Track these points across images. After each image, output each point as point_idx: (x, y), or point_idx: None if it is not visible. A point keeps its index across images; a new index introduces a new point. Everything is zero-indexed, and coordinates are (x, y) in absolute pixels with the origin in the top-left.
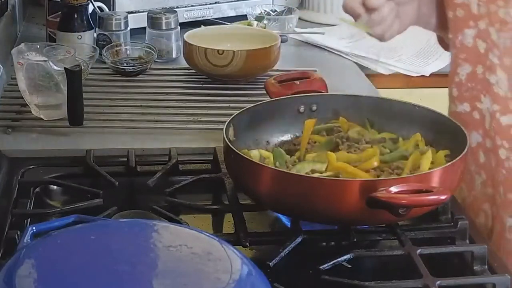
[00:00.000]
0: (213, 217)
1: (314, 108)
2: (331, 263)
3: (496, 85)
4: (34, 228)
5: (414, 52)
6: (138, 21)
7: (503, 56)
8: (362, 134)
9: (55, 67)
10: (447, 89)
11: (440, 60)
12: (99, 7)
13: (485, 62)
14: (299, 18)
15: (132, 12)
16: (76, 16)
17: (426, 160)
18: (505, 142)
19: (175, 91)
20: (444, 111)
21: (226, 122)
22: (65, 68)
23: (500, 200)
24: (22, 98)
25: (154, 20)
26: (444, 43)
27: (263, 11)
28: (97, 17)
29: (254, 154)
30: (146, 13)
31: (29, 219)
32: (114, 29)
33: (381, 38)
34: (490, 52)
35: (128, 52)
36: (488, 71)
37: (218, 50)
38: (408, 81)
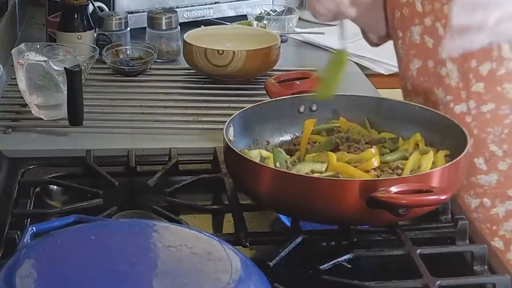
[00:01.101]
0: (213, 217)
1: (314, 108)
2: (331, 263)
3: (447, 76)
4: (34, 228)
5: None
6: (138, 21)
7: None
8: (362, 134)
9: (55, 67)
10: None
11: None
12: (99, 7)
13: (434, 57)
14: (299, 18)
15: (132, 12)
16: (76, 16)
17: (427, 160)
18: None
19: (175, 91)
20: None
21: (226, 122)
22: (65, 68)
23: (461, 185)
24: (22, 98)
25: (154, 20)
26: (369, 39)
27: (263, 11)
28: (97, 17)
29: (254, 154)
30: (146, 13)
31: (29, 219)
32: (114, 29)
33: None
34: (439, 46)
35: (128, 52)
36: (439, 65)
37: (218, 50)
38: None
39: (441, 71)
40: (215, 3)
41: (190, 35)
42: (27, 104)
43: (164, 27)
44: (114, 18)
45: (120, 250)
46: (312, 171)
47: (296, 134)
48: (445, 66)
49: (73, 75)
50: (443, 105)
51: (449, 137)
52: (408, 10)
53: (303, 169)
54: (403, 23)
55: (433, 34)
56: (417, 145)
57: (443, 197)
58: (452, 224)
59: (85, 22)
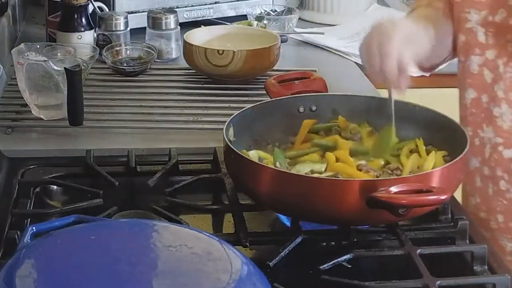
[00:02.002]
0: (213, 217)
1: (314, 108)
2: (331, 263)
3: (500, 118)
4: (34, 228)
5: None
6: (138, 21)
7: (509, 91)
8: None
9: (55, 67)
10: (446, 89)
11: None
12: (99, 7)
13: (490, 93)
14: (299, 18)
15: (132, 12)
16: (76, 16)
17: (430, 161)
18: (506, 175)
19: (175, 91)
20: (444, 111)
21: (226, 122)
22: (65, 68)
23: (498, 227)
24: (22, 98)
25: (154, 20)
26: (420, 67)
27: (263, 11)
28: (97, 17)
29: (253, 155)
30: (146, 13)
31: (29, 219)
32: (114, 29)
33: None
34: (496, 84)
35: (128, 52)
36: (492, 103)
37: (218, 50)
38: None
39: (494, 110)
40: (215, 3)
41: (190, 35)
42: (27, 104)
43: (164, 27)
44: (114, 18)
45: (120, 250)
46: (312, 171)
47: (296, 134)
48: (499, 106)
49: (73, 75)
50: (490, 145)
51: (449, 138)
52: (470, 38)
53: (303, 169)
54: (465, 49)
55: (494, 69)
56: (416, 146)
57: (443, 197)
58: (452, 224)
59: (85, 22)
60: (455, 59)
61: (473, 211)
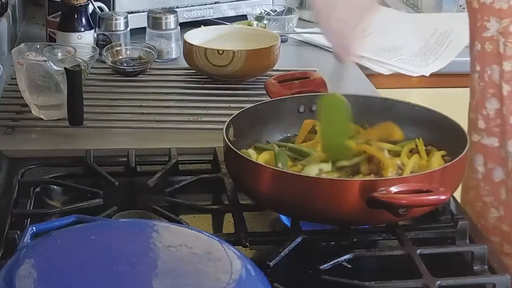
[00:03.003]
0: (213, 217)
1: (314, 108)
2: (331, 263)
3: None
4: (34, 228)
5: (414, 52)
6: (138, 21)
7: None
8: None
9: (55, 67)
10: (446, 89)
11: (440, 60)
12: (99, 7)
13: (509, 106)
14: (299, 18)
15: (132, 12)
16: (76, 16)
17: (434, 161)
18: None
19: (175, 91)
20: (444, 111)
21: (226, 122)
22: (65, 68)
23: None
24: (22, 98)
25: (154, 20)
26: None
27: (263, 11)
28: (97, 17)
29: (252, 152)
30: (146, 13)
31: (29, 219)
32: (114, 29)
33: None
34: None
35: (128, 52)
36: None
37: (218, 50)
38: (408, 81)
39: None
40: (215, 3)
41: (190, 35)
42: (27, 104)
43: (164, 27)
44: (114, 18)
45: (120, 250)
46: (321, 171)
47: (296, 134)
48: None
49: (73, 75)
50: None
51: (449, 138)
52: (492, 47)
53: (312, 171)
54: (483, 58)
55: (510, 80)
56: (416, 146)
57: (443, 197)
58: (452, 224)
59: (85, 22)
60: (455, 59)
61: (496, 223)
